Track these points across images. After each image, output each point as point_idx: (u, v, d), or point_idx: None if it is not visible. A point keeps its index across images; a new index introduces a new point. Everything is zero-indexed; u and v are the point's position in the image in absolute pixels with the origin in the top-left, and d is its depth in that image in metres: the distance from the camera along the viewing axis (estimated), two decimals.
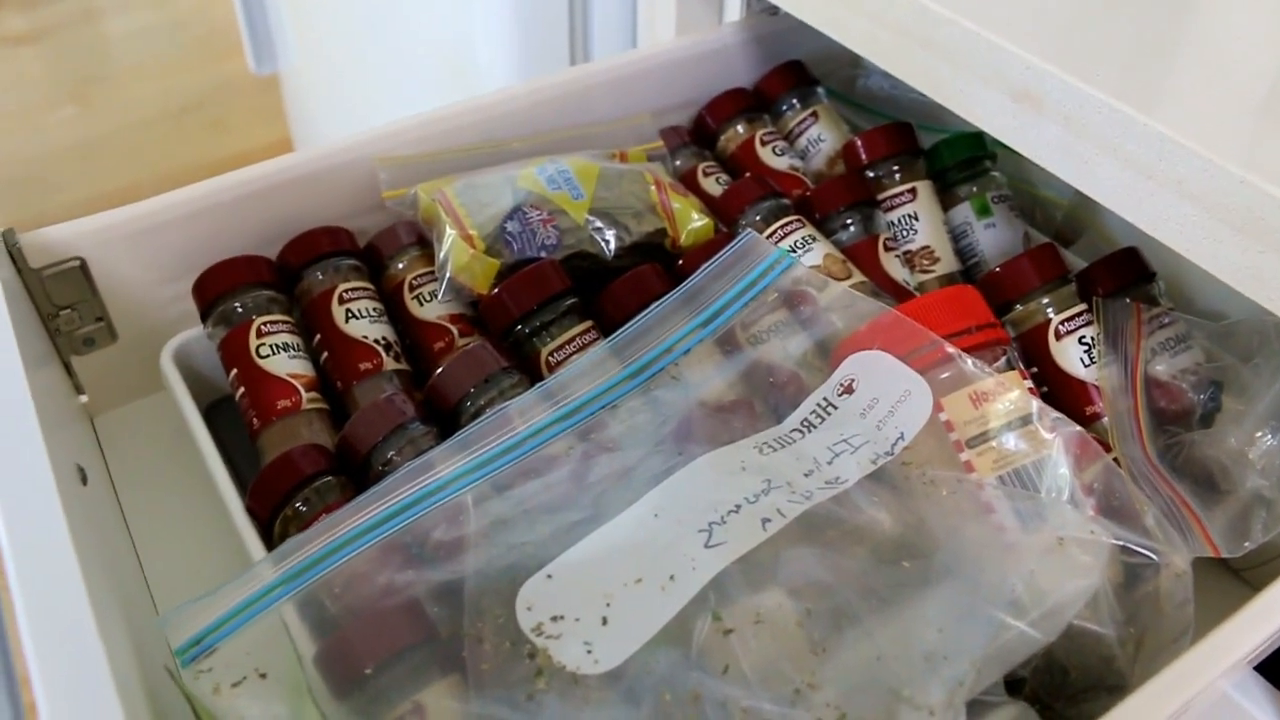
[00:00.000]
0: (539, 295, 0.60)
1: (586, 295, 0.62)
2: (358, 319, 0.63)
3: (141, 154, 2.26)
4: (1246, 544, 0.52)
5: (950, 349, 0.55)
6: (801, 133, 0.77)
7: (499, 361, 0.58)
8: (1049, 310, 0.63)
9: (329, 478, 0.56)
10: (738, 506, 0.48)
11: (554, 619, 0.44)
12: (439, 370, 0.58)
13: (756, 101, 0.78)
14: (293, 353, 0.61)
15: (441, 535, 0.49)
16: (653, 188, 0.67)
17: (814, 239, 0.66)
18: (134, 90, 2.32)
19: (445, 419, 0.58)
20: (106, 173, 2.22)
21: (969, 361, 0.55)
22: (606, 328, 0.62)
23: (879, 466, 0.52)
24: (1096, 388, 0.61)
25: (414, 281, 0.65)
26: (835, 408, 0.55)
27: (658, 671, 0.42)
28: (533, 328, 0.60)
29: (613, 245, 0.64)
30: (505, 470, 0.52)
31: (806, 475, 0.51)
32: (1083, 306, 0.63)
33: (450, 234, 0.62)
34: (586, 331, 0.61)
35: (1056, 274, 0.63)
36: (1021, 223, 0.72)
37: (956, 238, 0.71)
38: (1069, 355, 0.62)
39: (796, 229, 0.66)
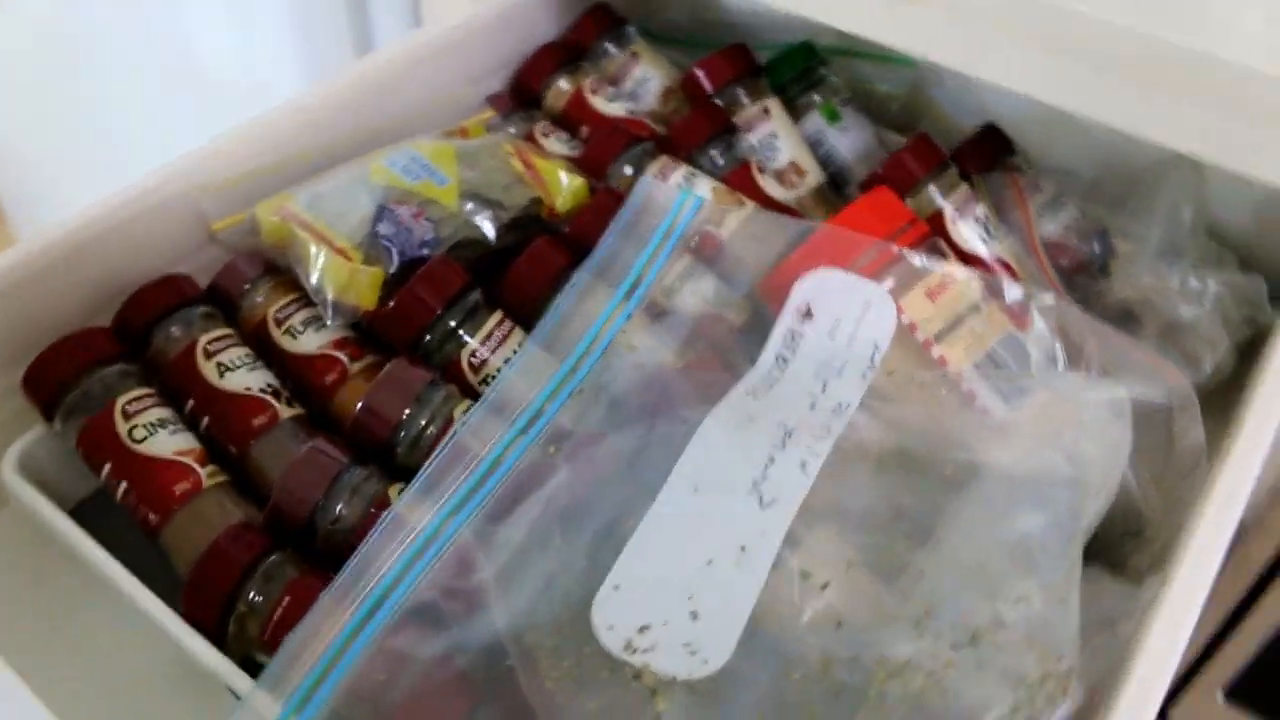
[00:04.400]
0: (444, 296, 0.55)
1: (482, 284, 0.57)
2: (232, 371, 0.55)
3: None
4: (1207, 369, 0.55)
5: (896, 249, 0.55)
6: (626, 75, 0.75)
7: (424, 376, 0.53)
8: (938, 198, 0.64)
9: (274, 556, 0.49)
10: (771, 459, 0.46)
11: (641, 630, 0.40)
12: (364, 402, 0.52)
13: (572, 53, 0.75)
14: (172, 428, 0.53)
15: (456, 587, 0.44)
16: (514, 158, 0.62)
17: (694, 175, 0.64)
18: None
19: (378, 454, 0.52)
20: None
21: (916, 259, 0.55)
22: (515, 314, 0.57)
23: (869, 382, 0.51)
24: (1002, 261, 0.63)
25: (278, 315, 0.58)
26: (802, 335, 0.53)
27: (773, 651, 0.39)
28: (445, 332, 0.55)
29: (492, 226, 0.60)
30: (493, 498, 0.46)
31: (811, 408, 0.49)
32: (966, 188, 0.64)
33: (318, 252, 0.56)
34: (501, 323, 0.56)
35: (938, 161, 0.64)
36: (869, 121, 0.73)
37: (813, 148, 0.71)
38: (969, 236, 0.63)
39: (673, 169, 0.64)
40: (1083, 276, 0.63)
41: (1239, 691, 0.74)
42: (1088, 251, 0.64)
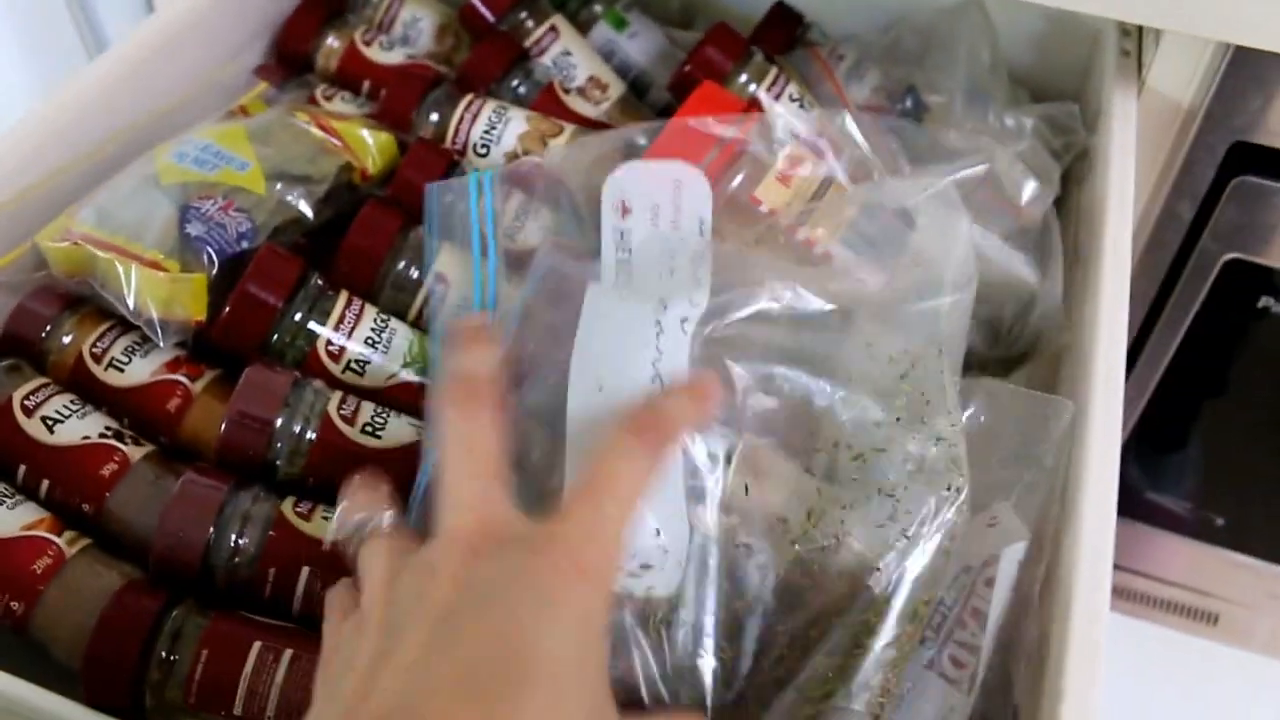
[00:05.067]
0: (282, 289, 0.50)
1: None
2: (62, 422, 0.49)
3: None
4: (1049, 196, 0.57)
5: (737, 145, 0.54)
6: (394, 19, 0.70)
7: (286, 378, 0.48)
8: (751, 86, 0.63)
9: (177, 609, 0.44)
10: (658, 323, 0.44)
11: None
12: (228, 419, 0.47)
13: (332, 6, 0.69)
14: (9, 502, 0.47)
15: None
16: (311, 125, 0.57)
17: (504, 108, 0.61)
18: None
19: (256, 472, 0.48)
20: None
21: (762, 148, 0.54)
22: (357, 289, 0.53)
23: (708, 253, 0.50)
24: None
25: (94, 350, 0.52)
26: (630, 230, 0.51)
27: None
28: (293, 327, 0.51)
29: (308, 204, 0.55)
30: None
31: (672, 274, 0.48)
32: (775, 71, 0.64)
33: (127, 269, 0.50)
34: (350, 303, 0.52)
35: (743, 49, 0.63)
36: (655, 23, 0.71)
37: (606, 59, 0.69)
38: (789, 117, 0.63)
39: (481, 105, 0.60)
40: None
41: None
42: (901, 110, 0.65)
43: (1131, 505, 0.79)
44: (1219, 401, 0.73)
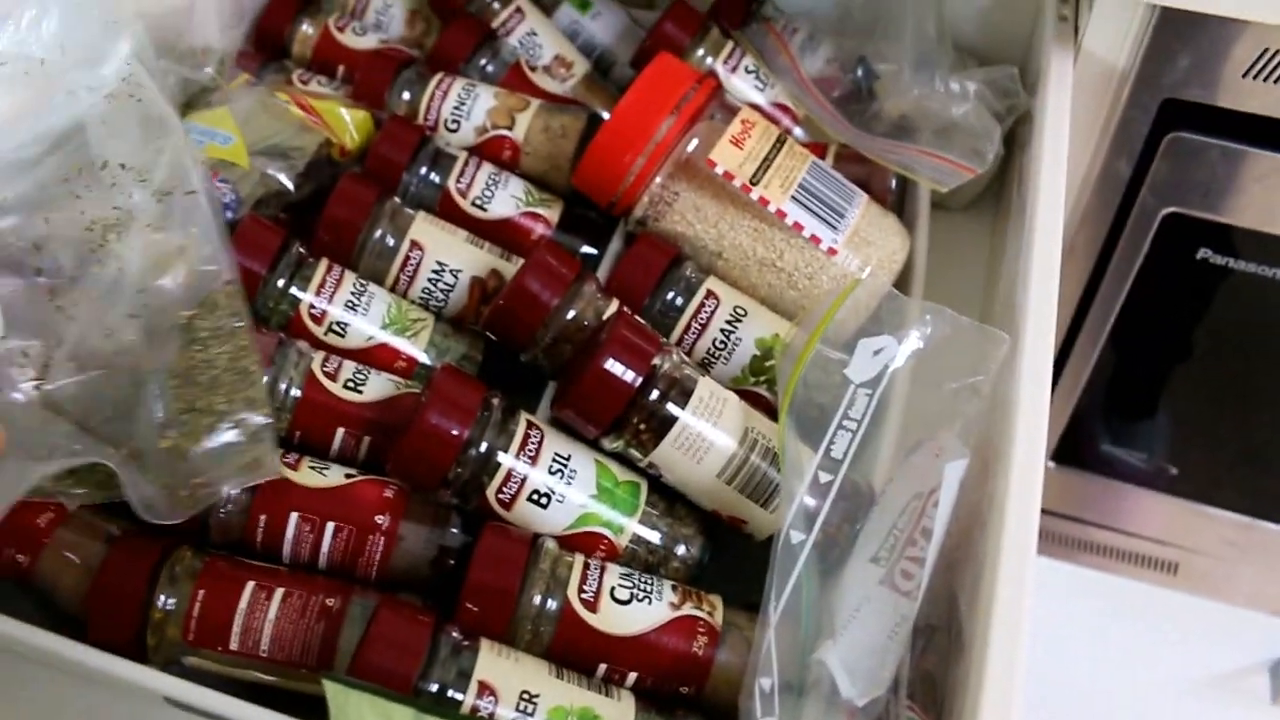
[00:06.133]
0: (266, 256, 0.54)
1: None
2: None
3: None
4: (989, 156, 0.60)
5: (691, 110, 0.57)
6: (366, 6, 0.73)
7: (270, 339, 0.52)
8: (708, 60, 0.67)
9: (175, 553, 0.48)
10: None
11: None
12: None
13: None
14: None
15: None
16: (291, 106, 0.61)
17: (472, 85, 0.64)
18: None
19: None
20: None
21: (714, 113, 0.58)
22: (336, 257, 0.57)
23: None
24: (779, 105, 0.67)
25: None
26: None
27: None
28: (276, 293, 0.54)
29: (289, 177, 0.59)
30: None
31: None
32: (731, 45, 0.68)
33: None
34: (330, 269, 0.56)
35: (698, 25, 0.67)
36: (617, 3, 0.74)
37: (571, 39, 0.72)
38: (744, 89, 0.67)
39: (450, 83, 0.64)
40: (853, 103, 0.68)
41: (1063, 455, 0.83)
42: (853, 79, 0.68)
43: (1090, 459, 0.83)
44: (1167, 353, 0.77)
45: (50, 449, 0.43)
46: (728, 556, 0.53)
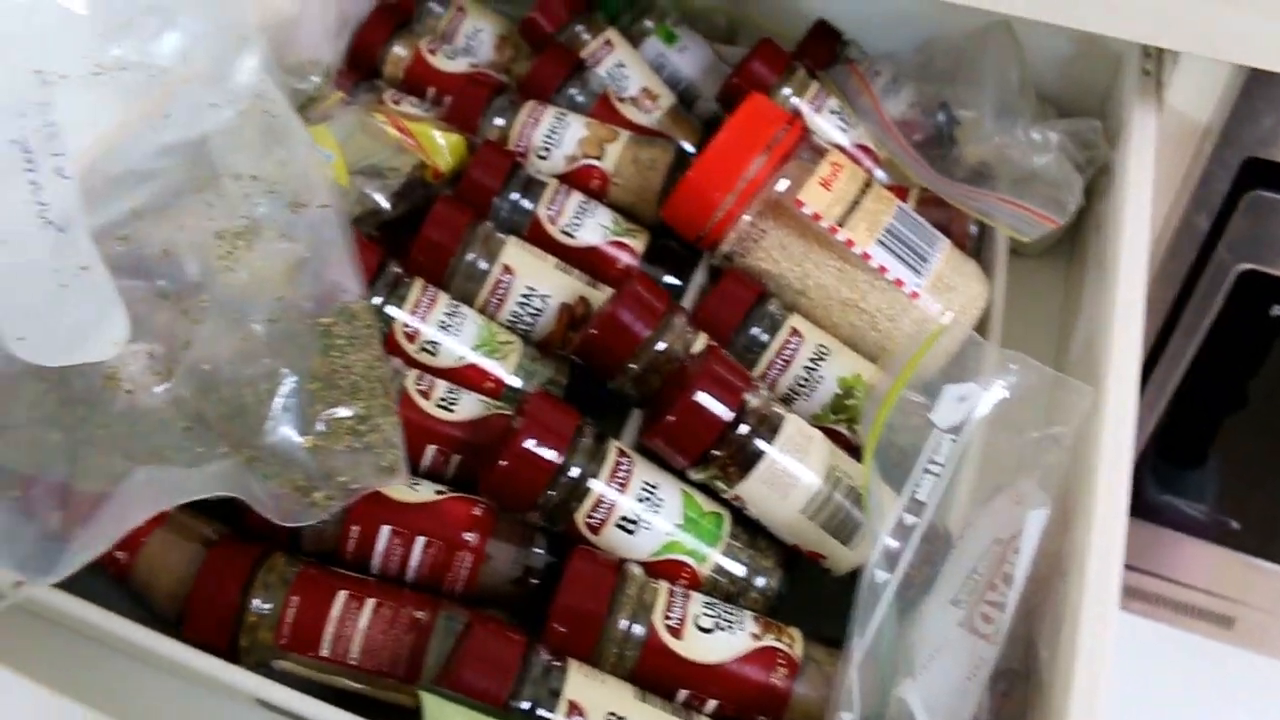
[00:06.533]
0: (367, 273, 0.55)
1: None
2: None
3: None
4: (1071, 207, 0.61)
5: (782, 152, 0.58)
6: (457, 30, 0.75)
7: None
8: (794, 99, 0.68)
9: (271, 558, 0.49)
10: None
11: None
12: None
13: (400, 16, 0.75)
14: None
15: None
16: (388, 127, 0.63)
17: (564, 114, 0.66)
18: None
19: None
20: None
21: (804, 155, 0.59)
22: (429, 277, 0.58)
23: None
24: (862, 146, 0.68)
25: None
26: None
27: None
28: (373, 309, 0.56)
29: (384, 196, 0.60)
30: None
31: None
32: (816, 84, 0.69)
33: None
34: (425, 289, 0.57)
35: (785, 64, 0.68)
36: (703, 38, 0.76)
37: (656, 71, 0.74)
38: (828, 129, 0.68)
39: (543, 111, 0.66)
40: (933, 148, 0.69)
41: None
42: (934, 124, 0.70)
43: (1149, 508, 0.84)
44: (1234, 407, 0.77)
45: (175, 450, 0.44)
46: (800, 589, 0.54)
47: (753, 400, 0.50)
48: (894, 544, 0.47)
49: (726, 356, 0.51)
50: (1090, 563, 0.45)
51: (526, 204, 0.62)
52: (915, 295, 0.58)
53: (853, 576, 0.52)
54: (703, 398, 0.48)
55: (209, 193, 0.48)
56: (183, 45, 0.54)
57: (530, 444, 0.48)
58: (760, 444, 0.49)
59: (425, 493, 0.52)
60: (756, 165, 0.58)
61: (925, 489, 0.48)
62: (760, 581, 0.51)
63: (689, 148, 0.68)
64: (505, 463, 0.48)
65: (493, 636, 0.44)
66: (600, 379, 0.55)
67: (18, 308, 0.45)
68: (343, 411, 0.46)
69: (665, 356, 0.53)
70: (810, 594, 0.53)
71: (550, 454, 0.48)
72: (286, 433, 0.45)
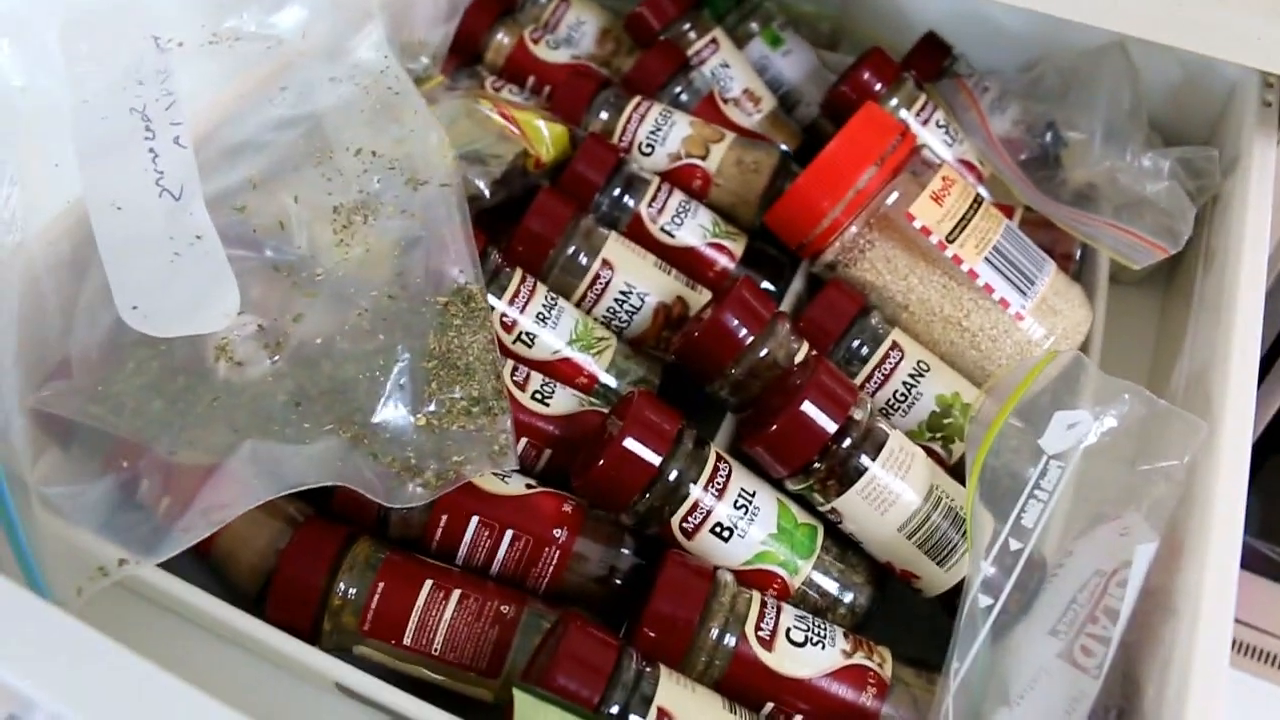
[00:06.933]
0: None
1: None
2: None
3: None
4: (1184, 233, 0.60)
5: (895, 163, 0.57)
6: (560, 21, 0.75)
7: None
8: (900, 111, 0.67)
9: (358, 543, 0.49)
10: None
11: None
12: None
13: (504, 2, 0.75)
14: None
15: None
16: (493, 114, 0.62)
17: (669, 112, 0.65)
18: None
19: None
20: None
21: (915, 168, 0.58)
22: (528, 268, 0.58)
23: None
24: (965, 161, 0.67)
25: None
26: None
27: None
28: None
29: (485, 183, 0.60)
30: None
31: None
32: (924, 96, 0.68)
33: None
34: (524, 280, 0.57)
35: (894, 75, 0.67)
36: (807, 43, 0.75)
37: (760, 73, 0.73)
38: (934, 143, 0.67)
39: (648, 107, 0.65)
40: (1039, 168, 0.68)
41: None
42: (1040, 144, 0.68)
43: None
44: None
45: (281, 425, 0.44)
46: (888, 607, 0.53)
47: (858, 414, 0.49)
48: (996, 569, 0.46)
49: (834, 368, 0.50)
50: (1204, 606, 0.44)
51: (629, 200, 0.62)
52: (1020, 317, 0.57)
53: (935, 598, 0.52)
54: (810, 409, 0.47)
55: (326, 166, 0.47)
56: (301, 19, 0.54)
57: (632, 444, 0.47)
58: (863, 459, 0.48)
59: (516, 486, 0.51)
60: (867, 176, 0.57)
61: (1031, 515, 0.47)
62: (849, 597, 0.50)
63: (790, 152, 0.67)
64: (605, 462, 0.47)
65: (588, 638, 0.44)
66: (697, 382, 0.55)
67: (133, 276, 0.45)
68: (457, 392, 0.46)
69: (767, 363, 0.53)
70: (890, 613, 0.53)
71: (652, 456, 0.47)
72: (399, 410, 0.45)
